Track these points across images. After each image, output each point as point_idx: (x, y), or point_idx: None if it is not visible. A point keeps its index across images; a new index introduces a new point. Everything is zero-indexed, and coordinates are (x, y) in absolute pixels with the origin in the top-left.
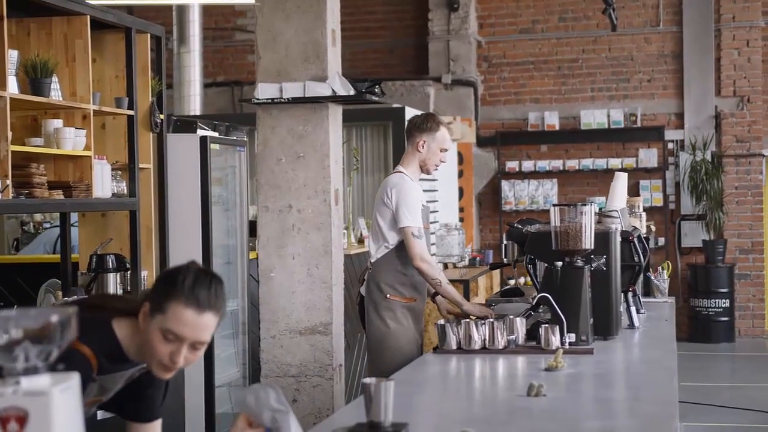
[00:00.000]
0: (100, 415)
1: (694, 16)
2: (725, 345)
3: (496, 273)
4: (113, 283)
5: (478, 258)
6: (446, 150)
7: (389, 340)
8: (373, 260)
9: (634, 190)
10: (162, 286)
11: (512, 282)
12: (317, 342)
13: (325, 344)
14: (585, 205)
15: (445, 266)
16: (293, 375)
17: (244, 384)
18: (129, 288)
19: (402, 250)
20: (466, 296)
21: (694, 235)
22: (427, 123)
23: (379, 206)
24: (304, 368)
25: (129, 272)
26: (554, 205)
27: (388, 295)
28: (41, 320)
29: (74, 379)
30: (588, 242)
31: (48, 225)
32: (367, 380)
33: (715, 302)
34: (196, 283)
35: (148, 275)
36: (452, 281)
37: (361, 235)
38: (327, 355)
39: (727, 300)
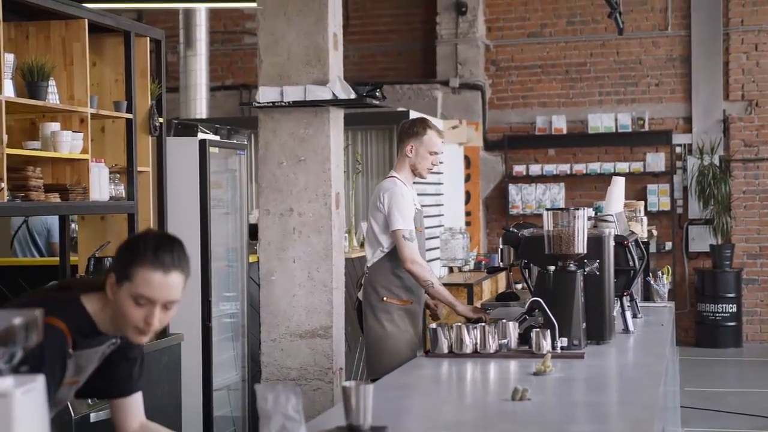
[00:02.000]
0: (93, 417)
1: (702, 19)
2: (732, 350)
3: (502, 277)
4: None
5: (483, 262)
6: (436, 153)
7: (386, 343)
8: (369, 264)
9: (641, 195)
10: (125, 255)
11: (519, 286)
12: (317, 345)
13: (325, 347)
14: (578, 209)
15: (450, 270)
16: (293, 378)
17: (243, 387)
18: None
19: (397, 254)
20: (470, 300)
21: (701, 240)
22: (414, 128)
23: (372, 211)
24: (304, 371)
25: None
26: (547, 210)
27: (384, 298)
28: (4, 323)
29: (38, 381)
30: (581, 246)
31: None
32: (347, 384)
33: (723, 307)
34: (157, 246)
35: None
36: (456, 285)
37: (363, 238)
38: (327, 358)
39: (735, 305)
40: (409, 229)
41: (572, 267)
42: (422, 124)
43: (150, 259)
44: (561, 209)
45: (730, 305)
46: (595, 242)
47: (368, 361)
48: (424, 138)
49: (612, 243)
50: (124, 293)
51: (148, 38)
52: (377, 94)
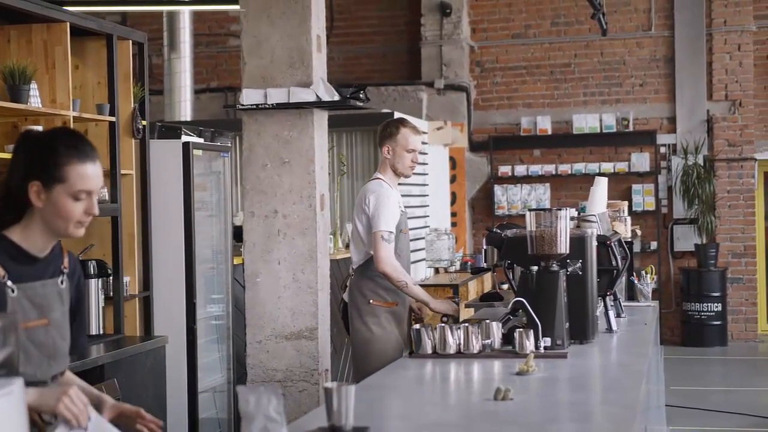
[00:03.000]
0: None
1: (685, 20)
2: (717, 349)
3: (488, 277)
4: (95, 289)
5: (469, 263)
6: (413, 150)
7: (373, 345)
8: (354, 266)
9: (626, 195)
10: (45, 159)
11: (505, 286)
12: (303, 347)
13: (310, 349)
14: (560, 209)
15: (436, 271)
16: (279, 380)
17: (228, 389)
18: (111, 294)
19: None
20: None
21: (686, 239)
22: (387, 129)
23: (358, 213)
24: (290, 373)
25: (111, 278)
26: (530, 210)
27: (371, 301)
28: None
29: (17, 384)
30: (563, 247)
31: None
32: (328, 385)
33: (708, 306)
34: (75, 141)
35: (130, 281)
36: (442, 286)
37: (348, 240)
38: (313, 359)
39: (720, 304)
40: (389, 231)
41: (555, 267)
42: (395, 124)
43: (77, 155)
44: (543, 209)
45: (715, 304)
46: (578, 242)
47: (355, 364)
48: (398, 137)
49: (594, 243)
50: (60, 195)
51: (130, 41)
52: (361, 95)
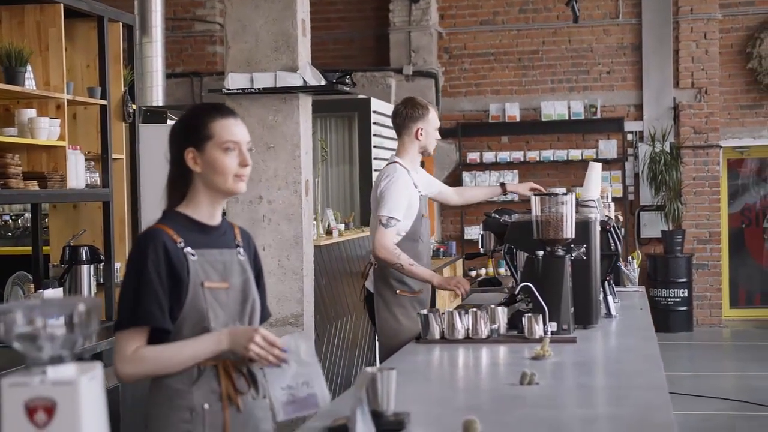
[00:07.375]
0: None
1: (652, 7)
2: (683, 334)
3: (459, 264)
4: (87, 275)
5: (441, 249)
6: (437, 128)
7: (402, 336)
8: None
9: None
10: (192, 126)
11: (473, 273)
12: (288, 333)
13: None
14: (566, 194)
15: None
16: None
17: None
18: (102, 280)
19: (406, 244)
20: (432, 290)
21: (652, 226)
22: (418, 110)
23: (374, 199)
24: None
25: (102, 264)
26: (535, 195)
27: (398, 291)
28: (67, 309)
29: (98, 368)
30: (569, 231)
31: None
32: (370, 369)
33: (674, 292)
34: (214, 105)
35: (121, 267)
36: None
37: (329, 226)
38: None
39: (686, 290)
40: (389, 216)
41: (560, 252)
42: (423, 105)
43: (217, 113)
44: (549, 194)
45: (681, 290)
46: (582, 227)
47: (383, 354)
48: (429, 117)
49: (598, 227)
50: (212, 151)
51: (120, 24)
52: (347, 80)
